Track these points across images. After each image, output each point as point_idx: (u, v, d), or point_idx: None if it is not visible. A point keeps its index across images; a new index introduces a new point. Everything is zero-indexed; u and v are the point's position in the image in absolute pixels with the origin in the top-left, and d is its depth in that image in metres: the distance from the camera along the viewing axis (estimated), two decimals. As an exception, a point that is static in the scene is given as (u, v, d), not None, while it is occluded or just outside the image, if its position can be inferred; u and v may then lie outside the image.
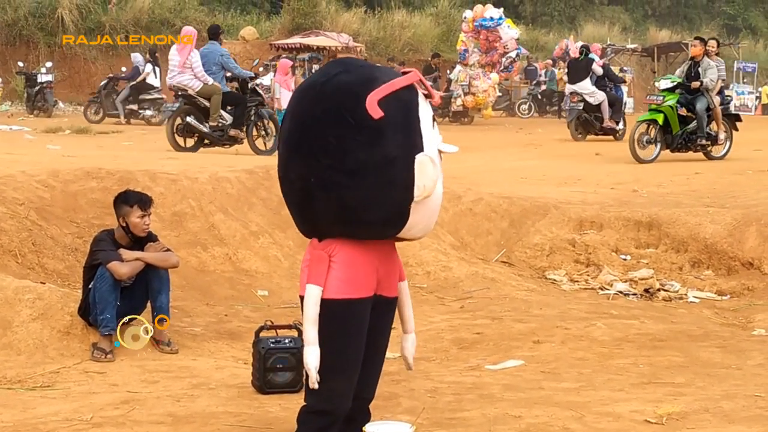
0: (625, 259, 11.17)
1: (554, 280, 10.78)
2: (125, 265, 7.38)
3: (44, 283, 8.04)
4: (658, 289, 10.38)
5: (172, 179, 10.61)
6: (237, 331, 8.20)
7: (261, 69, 29.01)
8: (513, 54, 31.22)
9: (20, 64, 31.07)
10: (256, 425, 5.84)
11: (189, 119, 16.57)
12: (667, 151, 18.01)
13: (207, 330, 8.14)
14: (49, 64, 29.94)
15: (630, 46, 44.04)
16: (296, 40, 33.85)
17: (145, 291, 7.55)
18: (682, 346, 7.90)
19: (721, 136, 18.28)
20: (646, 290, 10.35)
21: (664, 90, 18.04)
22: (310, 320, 4.66)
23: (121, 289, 7.43)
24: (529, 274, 10.85)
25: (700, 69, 17.96)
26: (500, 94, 32.95)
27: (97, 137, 20.94)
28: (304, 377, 4.71)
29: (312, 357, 4.63)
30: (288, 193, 4.85)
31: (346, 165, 4.58)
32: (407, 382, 6.82)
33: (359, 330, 4.83)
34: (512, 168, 16.90)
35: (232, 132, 16.88)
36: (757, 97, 42.35)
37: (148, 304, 7.62)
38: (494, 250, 11.36)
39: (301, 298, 4.77)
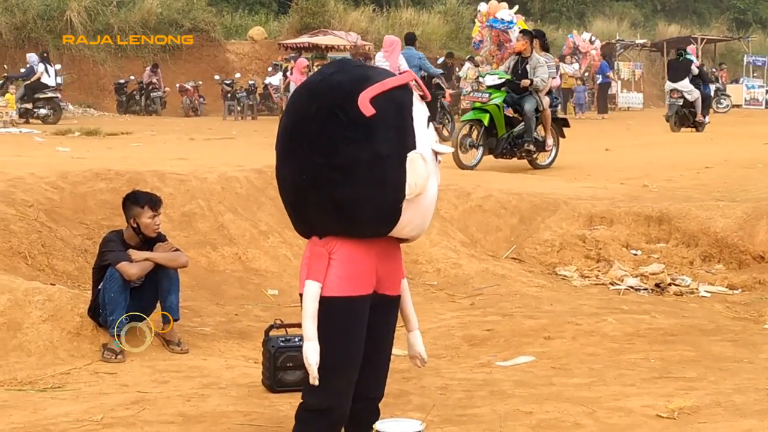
0: (635, 254, 11.14)
1: (565, 275, 10.75)
2: (134, 265, 7.38)
3: (54, 285, 8.04)
4: (669, 284, 10.34)
5: (181, 179, 10.62)
6: (247, 330, 8.20)
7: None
8: None
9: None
10: (266, 424, 5.84)
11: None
12: (491, 156, 16.10)
13: (217, 330, 8.14)
14: (57, 67, 30.00)
15: (639, 41, 44.02)
16: (304, 39, 33.86)
17: (155, 291, 7.54)
18: (694, 341, 7.87)
19: (549, 141, 16.40)
20: (657, 285, 10.32)
21: (489, 87, 15.95)
22: (309, 316, 4.66)
23: (131, 289, 7.42)
24: (540, 270, 10.83)
25: (528, 66, 16.00)
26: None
27: (107, 139, 20.98)
28: (304, 374, 4.72)
29: (312, 353, 4.62)
30: (283, 192, 4.88)
31: (337, 162, 4.61)
32: (417, 379, 6.81)
33: (359, 328, 4.82)
34: (521, 164, 16.86)
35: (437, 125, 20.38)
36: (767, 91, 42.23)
37: (158, 305, 7.62)
38: (504, 246, 11.34)
39: (301, 295, 4.77)
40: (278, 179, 4.88)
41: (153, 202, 7.56)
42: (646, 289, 10.24)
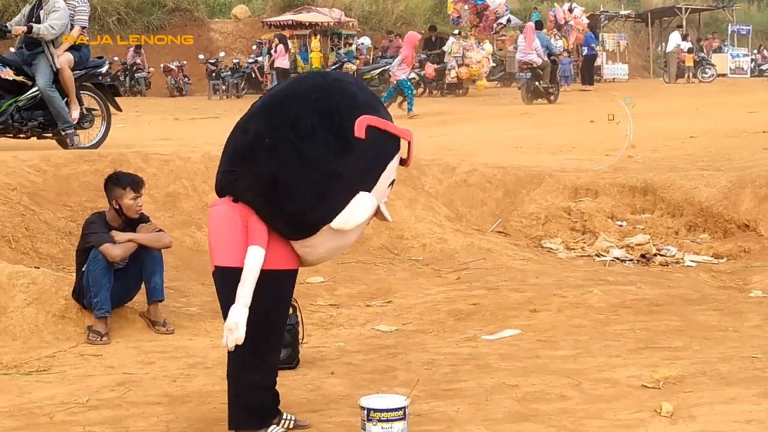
0: (620, 226, 11.15)
1: (550, 248, 10.76)
2: (118, 247, 7.36)
3: (38, 268, 8.01)
4: (655, 254, 10.36)
5: (164, 160, 10.58)
6: (233, 309, 8.17)
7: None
8: (503, 19, 31.18)
9: (12, 50, 30.92)
10: (252, 403, 5.82)
11: (536, 83, 25.03)
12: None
13: (203, 309, 8.13)
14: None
15: (623, 12, 43.90)
16: (288, 17, 33.74)
17: (139, 272, 7.53)
18: (679, 310, 7.89)
19: (74, 114, 11.79)
20: (643, 256, 10.33)
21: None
22: (251, 281, 4.70)
23: (115, 271, 7.40)
24: (525, 244, 10.84)
25: (42, 11, 11.62)
26: (494, 64, 32.83)
27: (91, 120, 20.84)
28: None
29: (241, 316, 4.66)
30: (235, 141, 4.88)
31: (304, 150, 4.63)
32: (404, 354, 6.81)
33: (290, 301, 4.99)
34: (507, 138, 16.87)
35: (551, 89, 25.62)
36: (752, 60, 42.23)
37: (143, 286, 7.60)
38: (489, 220, 11.34)
39: (219, 268, 4.85)
40: (240, 128, 4.88)
41: (135, 183, 7.53)
42: (631, 260, 10.26)
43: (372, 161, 4.76)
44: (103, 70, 13.01)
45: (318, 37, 32.71)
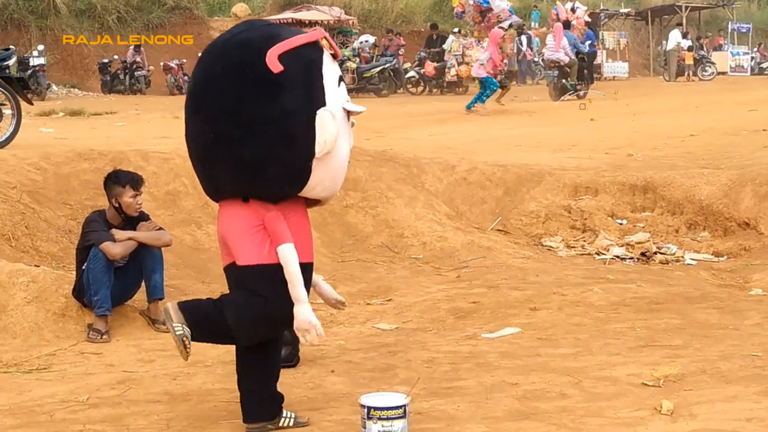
0: (621, 224, 11.15)
1: (550, 246, 10.76)
2: (118, 245, 7.35)
3: (38, 266, 8.01)
4: (655, 253, 10.36)
5: (164, 158, 10.58)
6: (233, 307, 8.17)
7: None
8: (506, 24, 31.14)
9: (11, 47, 30.90)
10: (252, 401, 5.82)
11: (563, 81, 25.37)
12: None
13: (203, 308, 8.10)
14: (41, 48, 29.81)
15: (623, 10, 43.85)
16: (288, 15, 33.69)
17: (139, 270, 7.53)
18: (680, 309, 7.88)
19: None
20: (643, 254, 10.33)
21: None
22: (298, 278, 4.76)
23: (115, 269, 7.40)
24: (525, 242, 10.83)
25: None
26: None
27: (91, 119, 20.87)
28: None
29: (308, 313, 4.77)
30: (191, 151, 4.96)
31: (243, 119, 4.65)
32: (404, 353, 6.81)
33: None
34: (507, 136, 16.86)
35: (579, 86, 25.72)
36: (752, 58, 42.19)
37: (143, 284, 7.60)
38: (489, 218, 11.34)
39: (236, 267, 4.86)
40: (186, 139, 4.94)
41: (134, 181, 7.52)
42: (632, 258, 10.26)
43: (306, 81, 4.73)
44: (11, 62, 12.66)
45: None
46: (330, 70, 4.83)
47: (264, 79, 4.64)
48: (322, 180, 4.82)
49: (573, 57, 25.60)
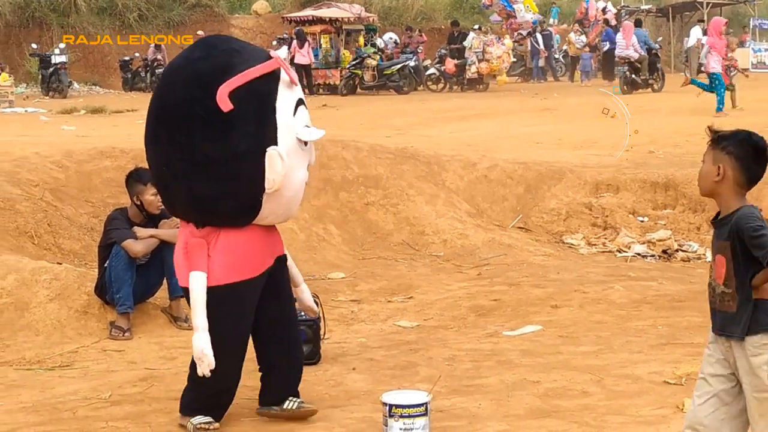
0: (642, 221, 11.11)
1: (571, 244, 10.74)
2: (140, 242, 7.38)
3: (61, 264, 8.05)
4: (676, 250, 10.33)
5: (185, 156, 10.58)
6: (254, 305, 8.18)
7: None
8: (524, 32, 31.47)
9: (34, 45, 31.02)
10: (274, 398, 5.83)
11: (633, 76, 26.28)
12: None
13: (224, 305, 8.12)
14: (62, 45, 29.91)
15: (644, 6, 43.69)
16: (308, 12, 33.65)
17: (161, 268, 7.53)
18: (701, 306, 7.77)
19: None
20: (664, 251, 10.30)
21: None
22: (201, 306, 4.79)
23: (137, 266, 7.42)
24: (546, 239, 10.81)
25: None
26: (515, 60, 32.73)
27: (112, 117, 20.94)
28: (195, 364, 4.93)
29: (205, 344, 4.79)
30: (153, 177, 5.10)
31: (195, 158, 4.68)
32: (425, 350, 6.81)
33: (247, 311, 4.99)
34: (527, 133, 16.82)
35: (652, 80, 26.90)
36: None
37: (165, 281, 7.62)
38: (510, 216, 11.32)
39: (184, 289, 4.91)
40: (148, 163, 5.05)
41: (156, 178, 7.53)
42: (653, 255, 10.23)
43: (257, 117, 4.73)
44: None
45: (330, 35, 32.47)
46: (285, 101, 4.83)
47: (214, 119, 4.64)
48: (274, 210, 4.89)
49: (643, 53, 26.48)
